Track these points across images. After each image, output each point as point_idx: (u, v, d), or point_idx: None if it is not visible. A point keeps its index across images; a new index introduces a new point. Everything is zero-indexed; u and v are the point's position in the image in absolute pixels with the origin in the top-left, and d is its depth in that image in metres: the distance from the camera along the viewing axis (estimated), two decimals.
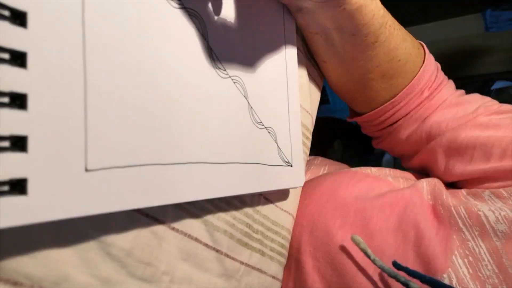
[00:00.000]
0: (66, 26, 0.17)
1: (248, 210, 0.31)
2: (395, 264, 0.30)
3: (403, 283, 0.29)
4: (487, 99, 0.44)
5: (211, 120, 0.26)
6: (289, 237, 0.38)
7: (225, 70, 0.27)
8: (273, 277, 0.35)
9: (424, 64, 0.42)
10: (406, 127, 0.44)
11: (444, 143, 0.40)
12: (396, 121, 0.44)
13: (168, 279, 0.24)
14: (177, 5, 0.24)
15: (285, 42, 0.35)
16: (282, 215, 0.36)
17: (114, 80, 0.19)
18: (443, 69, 0.47)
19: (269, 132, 0.32)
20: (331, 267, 0.34)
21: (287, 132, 0.34)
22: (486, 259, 0.29)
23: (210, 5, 0.27)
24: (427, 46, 0.48)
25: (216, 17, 0.27)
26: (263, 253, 0.33)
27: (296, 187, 0.36)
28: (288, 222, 0.37)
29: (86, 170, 0.17)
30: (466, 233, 0.31)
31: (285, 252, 0.37)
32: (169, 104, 0.22)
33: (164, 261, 0.24)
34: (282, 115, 0.34)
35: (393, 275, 0.29)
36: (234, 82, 0.28)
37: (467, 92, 0.46)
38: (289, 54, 0.35)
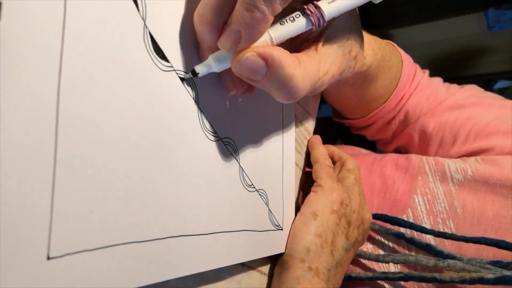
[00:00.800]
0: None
1: None
2: None
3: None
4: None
5: (197, 189, 0.23)
6: None
7: (215, 133, 0.25)
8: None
9: (403, 65, 0.45)
10: (388, 116, 0.47)
11: (418, 129, 0.45)
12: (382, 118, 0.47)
13: None
14: (165, 68, 0.21)
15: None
16: None
17: (88, 146, 0.17)
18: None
19: (260, 194, 0.30)
20: None
21: (279, 193, 0.32)
22: (441, 198, 0.36)
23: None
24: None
25: (207, 80, 0.24)
26: None
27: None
28: None
29: (48, 258, 0.15)
30: (430, 176, 0.38)
31: None
32: (150, 174, 0.20)
33: None
34: (276, 175, 0.32)
35: None
36: (225, 145, 0.26)
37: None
38: (286, 111, 0.34)
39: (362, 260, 0.36)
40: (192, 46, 0.24)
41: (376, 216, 0.36)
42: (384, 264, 0.35)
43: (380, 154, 0.45)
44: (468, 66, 1.91)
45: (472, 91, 0.46)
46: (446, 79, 0.49)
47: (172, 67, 0.22)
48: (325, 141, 0.43)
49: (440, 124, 0.43)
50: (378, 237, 0.37)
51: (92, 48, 0.17)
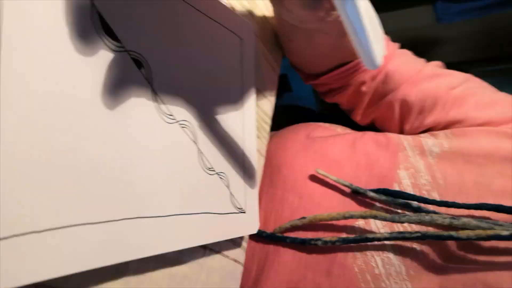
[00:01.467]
0: None
1: None
2: (351, 186, 0.38)
3: (362, 194, 0.37)
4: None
5: (153, 171, 0.23)
6: None
7: (171, 115, 0.25)
8: (236, 260, 0.35)
9: None
10: (364, 77, 0.47)
11: (400, 98, 0.45)
12: (356, 76, 0.47)
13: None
14: (116, 48, 0.21)
15: (243, 80, 0.33)
16: None
17: (34, 124, 0.16)
18: None
19: (221, 177, 0.30)
20: (299, 195, 0.40)
21: (241, 175, 0.32)
22: (423, 171, 0.38)
23: (153, 46, 0.24)
24: None
25: (162, 59, 0.25)
26: None
27: (248, 234, 0.33)
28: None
29: None
30: (409, 151, 0.40)
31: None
32: (103, 154, 0.20)
33: None
34: (237, 158, 0.32)
35: (354, 188, 0.38)
36: (182, 127, 0.26)
37: None
38: (245, 92, 0.34)
39: (377, 222, 0.37)
40: (143, 25, 0.23)
41: (379, 191, 0.37)
42: (399, 224, 0.36)
43: (358, 133, 0.45)
44: (421, 57, 1.99)
45: (439, 63, 0.49)
46: None
47: (123, 47, 0.22)
48: None
49: (422, 92, 0.44)
50: (386, 207, 0.37)
51: (39, 29, 0.17)
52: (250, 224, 0.33)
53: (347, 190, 0.39)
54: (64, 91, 0.18)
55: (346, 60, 0.45)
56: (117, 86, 0.21)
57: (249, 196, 0.33)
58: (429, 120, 0.44)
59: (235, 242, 0.34)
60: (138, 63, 0.23)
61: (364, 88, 0.47)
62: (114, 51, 0.21)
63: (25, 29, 0.16)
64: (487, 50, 1.94)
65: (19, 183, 0.16)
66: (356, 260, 0.35)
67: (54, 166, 0.17)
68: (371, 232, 0.36)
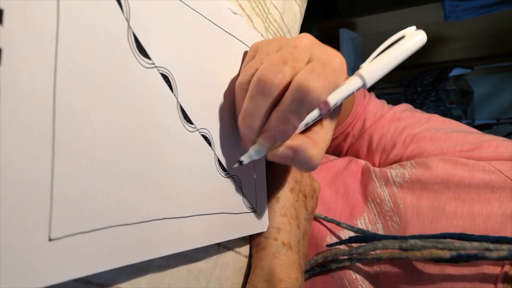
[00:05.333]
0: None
1: None
2: (326, 218, 0.43)
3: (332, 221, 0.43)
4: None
5: (177, 176, 0.25)
6: None
7: (192, 124, 0.27)
8: (246, 256, 0.37)
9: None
10: (345, 131, 0.57)
11: (366, 140, 0.55)
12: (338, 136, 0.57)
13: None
14: (147, 65, 0.23)
15: None
16: None
17: (82, 138, 0.19)
18: None
19: (234, 180, 0.32)
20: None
21: (252, 179, 0.34)
22: (387, 199, 0.43)
23: (180, 63, 0.26)
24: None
25: (186, 74, 0.27)
26: None
27: (260, 232, 0.35)
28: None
29: (50, 239, 0.17)
30: (377, 182, 0.45)
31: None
32: (136, 163, 0.22)
33: None
34: (248, 163, 0.33)
35: (329, 220, 0.43)
36: (202, 135, 0.28)
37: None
38: None
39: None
40: (173, 44, 0.25)
41: (333, 221, 0.43)
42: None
43: (342, 164, 0.51)
44: (426, 54, 1.99)
45: (404, 107, 0.56)
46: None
47: (154, 64, 0.24)
48: None
49: (383, 134, 0.53)
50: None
51: (83, 47, 0.19)
52: (260, 223, 0.35)
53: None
54: (105, 102, 0.20)
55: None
56: (147, 98, 0.23)
57: (259, 197, 0.35)
58: (391, 156, 0.51)
59: (246, 240, 0.37)
60: (165, 78, 0.25)
61: (343, 141, 0.57)
62: (145, 67, 0.23)
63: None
64: (491, 48, 1.94)
65: (71, 189, 0.18)
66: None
67: (100, 175, 0.19)
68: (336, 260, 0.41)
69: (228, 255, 0.34)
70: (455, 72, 1.70)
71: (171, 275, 0.27)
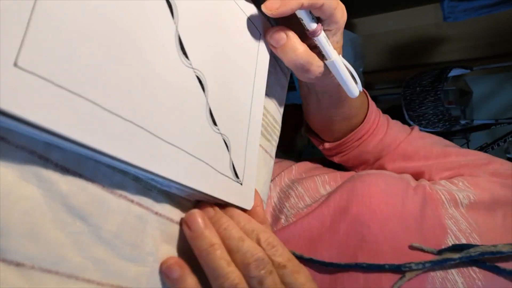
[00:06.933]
0: None
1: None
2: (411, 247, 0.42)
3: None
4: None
5: (166, 99, 0.24)
6: None
7: (188, 59, 0.26)
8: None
9: (369, 105, 0.56)
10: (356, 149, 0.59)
11: (376, 168, 0.59)
12: (354, 148, 0.58)
13: (152, 259, 0.26)
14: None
15: (258, 52, 0.35)
16: None
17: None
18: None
19: (223, 139, 0.30)
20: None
21: (243, 146, 0.33)
22: (460, 220, 0.45)
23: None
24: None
25: (191, 8, 0.27)
26: None
27: (242, 207, 0.33)
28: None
29: (15, 65, 0.16)
30: (447, 204, 0.47)
31: None
32: (125, 65, 0.21)
33: (149, 243, 0.26)
34: (241, 130, 0.32)
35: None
36: (195, 75, 0.27)
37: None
38: (258, 77, 0.36)
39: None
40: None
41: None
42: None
43: (408, 190, 0.49)
44: (425, 55, 2.00)
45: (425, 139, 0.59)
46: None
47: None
48: (292, 127, 0.45)
49: (408, 149, 0.57)
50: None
51: None
52: (245, 199, 0.33)
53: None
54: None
55: (353, 127, 0.56)
56: (145, 19, 0.23)
57: (247, 173, 0.33)
58: (413, 165, 0.56)
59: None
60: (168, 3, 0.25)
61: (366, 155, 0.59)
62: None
63: None
64: (490, 48, 1.95)
65: (50, 32, 0.18)
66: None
67: (86, 43, 0.19)
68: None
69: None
70: (454, 72, 1.70)
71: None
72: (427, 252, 0.42)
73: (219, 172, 0.30)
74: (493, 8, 1.53)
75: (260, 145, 0.39)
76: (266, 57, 0.37)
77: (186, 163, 0.26)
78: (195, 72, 0.27)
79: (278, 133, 0.45)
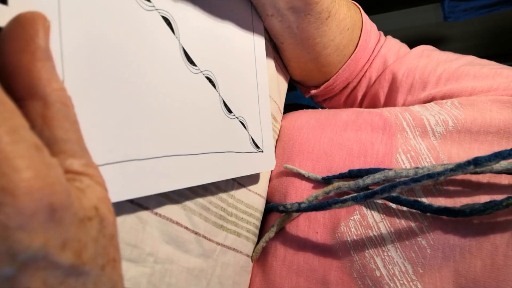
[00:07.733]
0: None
1: (223, 195, 0.33)
2: (327, 177, 0.37)
3: (334, 186, 0.36)
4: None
5: (185, 115, 0.27)
6: (261, 217, 0.40)
7: (196, 66, 0.29)
8: (248, 255, 0.37)
9: (363, 23, 0.45)
10: (361, 84, 0.48)
11: (387, 77, 0.45)
12: (351, 81, 0.48)
13: (152, 260, 0.26)
14: (148, 7, 0.24)
15: (254, 35, 0.37)
16: (254, 198, 0.38)
17: (87, 82, 0.20)
18: None
19: (240, 121, 0.33)
20: (280, 193, 0.41)
21: (257, 120, 0.36)
22: (425, 154, 0.34)
23: (180, 5, 0.27)
24: (389, 34, 0.51)
25: (187, 17, 0.28)
26: (238, 234, 0.35)
27: (267, 170, 0.37)
28: (260, 204, 0.39)
29: None
30: (409, 132, 0.36)
31: (258, 232, 0.39)
32: (143, 101, 0.23)
33: (149, 243, 0.26)
34: (253, 104, 0.36)
35: (327, 180, 0.37)
36: (205, 77, 0.30)
37: None
38: (258, 47, 0.37)
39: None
40: None
41: (344, 175, 0.36)
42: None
43: (351, 117, 0.41)
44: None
45: (433, 47, 0.48)
46: None
47: (154, 6, 0.25)
48: None
49: (409, 70, 0.43)
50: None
51: None
52: (268, 161, 0.37)
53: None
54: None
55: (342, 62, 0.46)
56: (149, 41, 0.24)
57: (265, 137, 0.37)
58: (422, 96, 0.42)
59: (255, 179, 0.39)
60: (166, 20, 0.26)
61: (363, 83, 0.48)
62: (146, 10, 0.24)
63: None
64: (491, 48, 1.94)
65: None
66: (353, 264, 0.33)
67: (104, 111, 0.21)
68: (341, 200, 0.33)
69: (229, 254, 0.34)
70: None
71: (171, 275, 0.27)
72: (310, 178, 0.37)
73: (243, 153, 0.33)
74: (494, 8, 1.53)
75: None
76: (261, 27, 0.39)
77: (217, 162, 0.29)
78: (204, 74, 0.29)
79: (277, 131, 0.45)
